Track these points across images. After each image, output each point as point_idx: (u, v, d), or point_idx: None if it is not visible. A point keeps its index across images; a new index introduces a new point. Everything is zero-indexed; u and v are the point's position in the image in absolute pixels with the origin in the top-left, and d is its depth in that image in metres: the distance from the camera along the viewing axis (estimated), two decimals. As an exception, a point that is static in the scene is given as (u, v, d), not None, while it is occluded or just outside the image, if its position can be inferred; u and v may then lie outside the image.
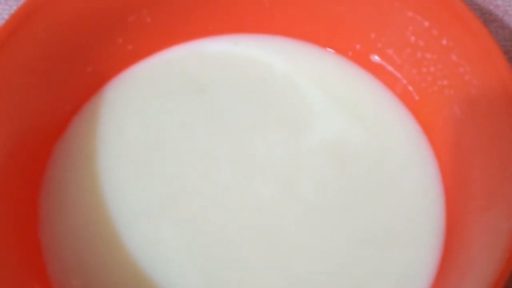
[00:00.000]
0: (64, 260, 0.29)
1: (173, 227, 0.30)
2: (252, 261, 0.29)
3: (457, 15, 0.28)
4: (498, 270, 0.22)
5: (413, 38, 0.30)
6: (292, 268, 0.29)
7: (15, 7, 0.36)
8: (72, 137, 0.32)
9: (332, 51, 0.34)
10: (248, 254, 0.29)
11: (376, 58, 0.33)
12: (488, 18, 0.37)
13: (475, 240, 0.26)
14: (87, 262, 0.29)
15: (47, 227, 0.30)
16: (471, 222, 0.27)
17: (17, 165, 0.29)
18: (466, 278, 0.25)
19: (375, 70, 0.33)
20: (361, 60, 0.33)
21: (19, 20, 0.28)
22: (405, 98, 0.32)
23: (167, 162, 0.31)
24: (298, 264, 0.29)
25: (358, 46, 0.33)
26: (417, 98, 0.32)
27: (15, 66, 0.28)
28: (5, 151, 0.29)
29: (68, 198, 0.30)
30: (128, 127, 0.32)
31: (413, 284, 0.28)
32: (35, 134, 0.30)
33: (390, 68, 0.32)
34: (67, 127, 0.32)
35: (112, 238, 0.29)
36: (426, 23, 0.29)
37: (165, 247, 0.29)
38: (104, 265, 0.29)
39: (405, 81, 0.32)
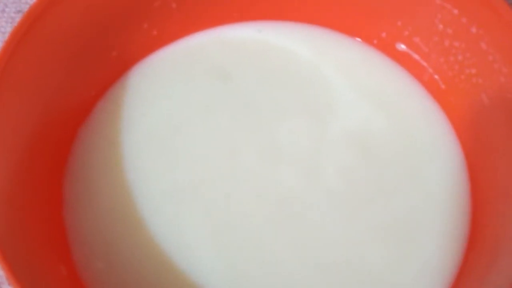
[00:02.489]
0: (88, 243, 0.29)
1: (196, 213, 0.30)
2: (274, 248, 0.29)
3: (487, 3, 0.27)
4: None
5: (441, 26, 0.30)
6: (314, 256, 0.29)
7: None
8: (97, 122, 0.32)
9: (358, 39, 0.33)
10: (270, 241, 0.29)
11: (402, 46, 0.32)
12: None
13: (501, 230, 0.26)
14: (111, 245, 0.29)
15: (72, 210, 0.30)
16: (497, 211, 0.27)
17: (43, 148, 0.29)
18: (493, 268, 0.25)
19: (400, 59, 0.33)
20: (387, 49, 0.33)
21: (45, 5, 0.28)
22: (431, 87, 0.32)
23: (190, 148, 0.31)
24: (321, 252, 0.29)
25: (384, 34, 0.33)
26: (443, 87, 0.31)
27: (42, 52, 0.29)
28: (31, 135, 0.29)
29: (92, 181, 0.30)
30: (152, 112, 0.32)
31: (436, 274, 0.28)
32: (61, 118, 0.30)
33: (416, 56, 0.32)
34: (92, 112, 0.32)
35: (136, 222, 0.29)
36: (456, 11, 0.29)
37: (188, 232, 0.29)
38: (127, 249, 0.29)
39: (431, 70, 0.32)
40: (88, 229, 0.29)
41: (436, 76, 0.32)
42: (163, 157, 0.31)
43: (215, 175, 0.30)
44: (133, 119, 0.32)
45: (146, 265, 0.29)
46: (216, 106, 0.32)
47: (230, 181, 0.30)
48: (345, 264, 0.29)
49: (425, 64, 0.32)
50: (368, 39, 0.33)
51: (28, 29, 0.28)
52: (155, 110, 0.32)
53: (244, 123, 0.32)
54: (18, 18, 0.36)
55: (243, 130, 0.31)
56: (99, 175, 0.31)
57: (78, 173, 0.31)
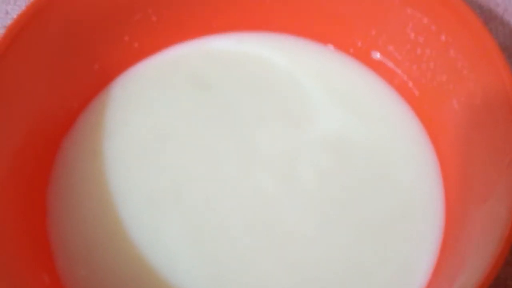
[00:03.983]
0: (71, 251, 0.30)
1: (178, 219, 0.30)
2: (255, 252, 0.30)
3: (454, 10, 0.28)
4: (493, 259, 0.23)
5: (412, 35, 0.31)
6: (293, 258, 0.29)
7: (24, 8, 0.37)
8: (80, 133, 0.33)
9: (334, 48, 0.34)
10: (251, 244, 0.30)
11: (377, 54, 0.33)
12: (488, 16, 0.37)
13: (473, 231, 0.27)
14: (94, 253, 0.30)
15: (55, 219, 0.30)
16: (470, 213, 0.28)
17: (26, 160, 0.30)
18: (464, 267, 0.26)
19: (376, 67, 0.34)
20: (362, 57, 0.34)
21: (28, 19, 0.29)
22: (405, 93, 0.33)
23: (171, 157, 0.32)
24: (299, 255, 0.29)
25: (359, 43, 0.33)
26: (417, 93, 0.32)
27: (24, 64, 0.29)
28: (14, 146, 0.29)
29: (75, 191, 0.31)
30: (134, 123, 0.33)
31: (413, 274, 0.29)
32: (44, 130, 0.31)
33: (390, 64, 0.33)
34: (74, 123, 0.33)
35: (118, 230, 0.30)
36: (425, 20, 0.30)
37: (170, 238, 0.30)
38: (110, 256, 0.29)
39: (405, 77, 0.33)
40: (71, 237, 0.30)
41: (410, 83, 0.32)
42: (145, 166, 0.32)
43: (196, 182, 0.31)
44: (115, 129, 0.33)
45: (129, 272, 0.29)
46: (196, 115, 0.33)
47: (210, 187, 0.31)
48: (323, 266, 0.29)
49: (399, 71, 0.33)
50: (344, 48, 0.34)
51: (11, 43, 0.28)
52: (137, 121, 0.33)
53: (224, 131, 0.32)
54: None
55: (223, 138, 0.32)
56: (82, 185, 0.31)
57: (61, 182, 0.31)
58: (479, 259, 0.24)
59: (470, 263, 0.25)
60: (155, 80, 0.34)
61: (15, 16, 0.37)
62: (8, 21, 0.37)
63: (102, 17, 0.32)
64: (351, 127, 0.32)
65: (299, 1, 0.33)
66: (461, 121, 0.29)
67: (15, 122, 0.29)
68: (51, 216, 0.31)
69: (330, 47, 0.34)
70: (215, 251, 0.30)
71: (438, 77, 0.30)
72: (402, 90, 0.33)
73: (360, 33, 0.33)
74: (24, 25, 0.29)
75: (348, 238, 0.30)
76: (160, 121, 0.33)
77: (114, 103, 0.33)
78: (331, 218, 0.30)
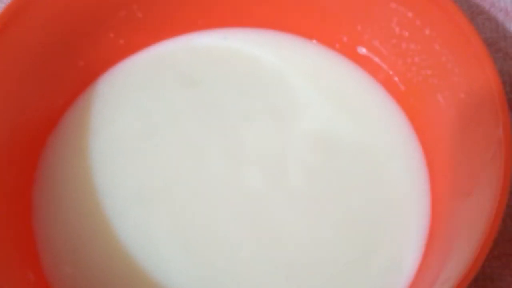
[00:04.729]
0: (57, 249, 0.30)
1: (164, 217, 0.30)
2: (242, 249, 0.30)
3: (438, 4, 0.28)
4: (476, 252, 0.23)
5: (397, 29, 0.31)
6: (281, 255, 0.29)
7: (7, 2, 0.37)
8: (65, 130, 0.32)
9: (320, 43, 0.34)
10: (238, 242, 0.30)
11: (363, 49, 0.33)
12: (475, 11, 0.37)
13: (458, 224, 0.27)
14: (80, 251, 0.29)
15: (41, 217, 0.30)
16: (455, 207, 0.28)
17: (11, 157, 0.30)
18: (450, 261, 0.26)
19: (362, 62, 0.34)
20: (348, 52, 0.34)
21: (10, 15, 0.29)
22: (391, 88, 0.33)
23: (158, 154, 0.32)
24: (287, 251, 0.29)
25: (345, 39, 0.33)
26: (402, 88, 0.32)
27: (7, 61, 0.29)
28: (0, 143, 0.29)
29: (61, 188, 0.31)
30: (120, 120, 0.33)
31: (400, 268, 0.29)
32: (29, 127, 0.31)
33: (376, 59, 0.33)
34: (60, 120, 0.33)
35: (104, 228, 0.30)
36: (410, 14, 0.30)
37: (156, 236, 0.30)
38: (95, 253, 0.29)
39: (391, 72, 0.33)
40: (56, 235, 0.30)
41: (395, 78, 0.32)
42: (131, 163, 0.32)
43: (183, 178, 0.31)
44: (101, 126, 0.32)
45: (115, 269, 0.29)
46: (183, 112, 0.33)
47: (197, 184, 0.31)
48: (310, 262, 0.29)
49: (385, 66, 0.33)
50: (330, 43, 0.34)
51: (-6, 40, 0.28)
52: (123, 117, 0.33)
53: (211, 127, 0.32)
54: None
55: (210, 134, 0.32)
56: (68, 182, 0.31)
57: (46, 180, 0.31)
58: (464, 253, 0.24)
59: (455, 256, 0.25)
60: (141, 77, 0.34)
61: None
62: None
63: (86, 14, 0.31)
64: (337, 123, 0.32)
65: (285, -3, 0.33)
66: (446, 115, 0.29)
67: (0, 119, 0.29)
68: (36, 213, 0.31)
69: (316, 42, 0.34)
70: (202, 248, 0.30)
71: (423, 71, 0.30)
72: (388, 85, 0.33)
73: (345, 28, 0.33)
74: (7, 21, 0.29)
75: (335, 234, 0.30)
76: (147, 118, 0.33)
77: (100, 100, 0.33)
78: (318, 214, 0.30)
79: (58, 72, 0.32)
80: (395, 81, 0.32)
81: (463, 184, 0.28)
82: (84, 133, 0.32)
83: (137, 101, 0.33)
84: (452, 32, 0.28)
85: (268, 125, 0.32)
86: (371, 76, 0.33)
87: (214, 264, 0.29)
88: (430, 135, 0.31)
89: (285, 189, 0.31)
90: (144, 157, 0.32)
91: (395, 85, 0.32)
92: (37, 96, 0.31)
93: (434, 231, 0.29)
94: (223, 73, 0.34)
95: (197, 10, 0.34)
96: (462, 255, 0.24)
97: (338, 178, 0.31)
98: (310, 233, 0.30)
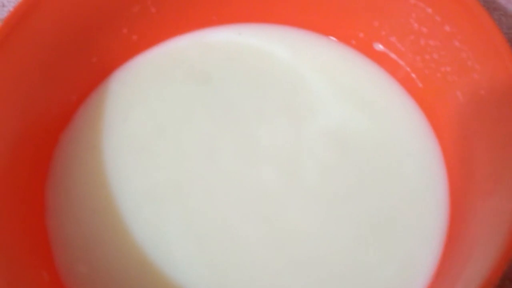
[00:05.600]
0: (70, 248, 0.29)
1: (177, 215, 0.30)
2: (256, 248, 0.29)
3: (459, 1, 0.28)
4: (501, 252, 0.22)
5: (416, 25, 0.30)
6: (295, 254, 0.29)
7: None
8: (78, 127, 0.32)
9: (335, 39, 0.34)
10: (252, 240, 0.29)
11: (379, 46, 0.33)
12: (491, 6, 0.37)
13: (478, 225, 0.26)
14: (93, 249, 0.29)
15: (54, 215, 0.30)
16: (475, 207, 0.27)
17: (24, 155, 0.29)
18: (470, 263, 0.25)
19: (378, 58, 0.33)
20: (365, 48, 0.33)
21: (24, 11, 0.28)
22: (408, 85, 0.32)
23: (171, 151, 0.31)
24: (301, 250, 0.29)
25: (361, 35, 0.33)
26: (420, 85, 0.32)
27: (22, 58, 0.29)
28: (12, 141, 0.29)
29: (74, 187, 0.31)
30: (133, 116, 0.32)
31: (417, 269, 0.28)
32: (42, 125, 0.31)
33: (393, 55, 0.32)
34: (73, 117, 0.32)
35: (118, 226, 0.30)
36: (429, 10, 0.29)
37: (170, 234, 0.29)
38: (109, 252, 0.29)
39: (408, 69, 0.32)
40: (70, 234, 0.30)
41: (413, 75, 0.32)
42: (144, 160, 0.31)
43: (196, 176, 0.31)
44: (114, 124, 0.32)
45: (129, 267, 0.29)
46: (197, 109, 0.32)
47: (211, 182, 0.30)
48: (325, 261, 0.29)
49: (402, 63, 0.32)
50: (345, 40, 0.33)
51: (7, 35, 0.28)
52: (136, 115, 0.32)
53: (225, 125, 0.32)
54: None
55: (223, 132, 0.32)
56: (81, 180, 0.31)
57: (60, 178, 0.31)
58: (484, 256, 0.24)
59: (475, 259, 0.25)
60: (154, 73, 0.33)
61: (11, 9, 0.37)
62: (5, 14, 0.37)
63: (100, 10, 0.31)
64: (354, 121, 0.32)
65: (300, -8, 0.33)
66: (466, 113, 0.29)
67: (13, 117, 0.29)
68: (50, 212, 0.30)
69: (332, 38, 0.34)
70: (216, 247, 0.29)
71: (442, 68, 0.30)
72: (405, 82, 0.32)
73: (362, 24, 0.32)
74: (21, 18, 0.28)
75: (351, 234, 0.29)
76: (159, 115, 0.32)
77: (112, 97, 0.33)
78: (334, 213, 0.30)
79: (71, 68, 0.31)
80: (413, 77, 0.32)
81: (483, 183, 0.27)
82: (97, 131, 0.32)
83: (150, 97, 0.33)
84: (473, 29, 0.27)
85: (283, 123, 0.32)
86: (388, 72, 0.33)
87: (227, 263, 0.29)
88: (448, 133, 0.30)
89: (300, 188, 0.30)
90: (157, 154, 0.31)
91: (413, 82, 0.32)
92: (49, 93, 0.31)
93: (453, 231, 0.29)
94: (237, 70, 0.33)
95: (211, 5, 0.33)
96: (484, 257, 0.24)
97: (354, 176, 0.30)
98: (325, 232, 0.29)
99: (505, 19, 0.36)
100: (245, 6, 0.34)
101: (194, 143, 0.32)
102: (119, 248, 0.29)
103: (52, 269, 0.29)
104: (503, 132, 0.27)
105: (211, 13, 0.34)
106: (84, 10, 0.30)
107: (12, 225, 0.28)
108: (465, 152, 0.29)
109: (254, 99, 0.33)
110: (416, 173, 0.30)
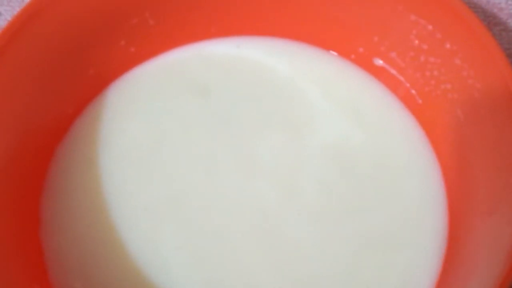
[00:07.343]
0: (65, 262, 0.29)
1: (175, 229, 0.30)
2: (252, 264, 0.29)
3: (460, 18, 0.28)
4: (501, 275, 0.22)
5: (416, 42, 0.30)
6: (293, 271, 0.29)
7: (17, 8, 0.36)
8: (75, 140, 0.32)
9: (335, 54, 0.34)
10: (248, 256, 0.29)
11: (379, 61, 0.33)
12: (492, 21, 0.36)
13: (478, 245, 0.26)
14: (89, 264, 0.29)
15: (49, 229, 0.30)
16: (474, 226, 0.27)
17: (19, 167, 0.29)
18: (469, 283, 0.25)
19: (378, 74, 0.33)
20: (364, 63, 0.33)
21: (22, 22, 0.28)
22: (408, 101, 0.32)
23: (169, 164, 0.31)
24: (300, 267, 0.29)
25: (361, 49, 0.33)
26: (420, 101, 0.32)
27: (18, 69, 0.28)
28: (7, 153, 0.29)
29: (70, 200, 0.30)
30: (130, 129, 0.32)
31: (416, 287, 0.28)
32: (38, 136, 0.30)
33: (393, 71, 0.32)
34: (69, 130, 0.32)
35: (113, 240, 0.29)
36: (430, 27, 0.29)
37: (166, 249, 0.29)
38: (105, 267, 0.29)
39: (408, 85, 0.32)
40: (65, 248, 0.29)
41: (413, 91, 0.32)
42: (141, 174, 0.31)
43: (193, 191, 0.30)
44: (111, 136, 0.32)
45: (125, 284, 0.29)
46: (195, 122, 0.32)
47: (208, 196, 0.30)
48: (324, 279, 0.29)
49: (402, 79, 0.32)
50: (345, 54, 0.33)
51: (3, 47, 0.28)
52: (134, 127, 0.32)
53: (223, 138, 0.32)
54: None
55: (221, 146, 0.32)
56: (77, 194, 0.30)
57: (55, 191, 0.31)
58: (482, 280, 0.24)
59: (473, 282, 0.25)
60: (152, 85, 0.33)
61: (8, 18, 0.36)
62: (1, 23, 0.37)
63: (97, 21, 0.31)
64: (353, 137, 0.31)
65: (300, 6, 0.32)
66: (465, 130, 0.29)
67: (8, 128, 0.29)
68: (44, 225, 0.30)
69: (332, 53, 0.34)
70: (212, 261, 0.29)
71: (443, 85, 0.30)
72: (405, 98, 0.32)
73: (362, 39, 0.32)
74: (18, 29, 0.28)
75: (350, 251, 0.29)
76: (157, 128, 0.32)
77: (109, 109, 0.33)
78: (332, 230, 0.29)
79: (68, 80, 0.31)
80: (413, 94, 0.32)
81: (483, 203, 0.27)
82: (93, 143, 0.32)
83: (148, 110, 0.33)
84: (474, 47, 0.27)
85: (281, 137, 0.32)
86: (387, 88, 0.33)
87: (225, 279, 0.29)
88: (448, 150, 0.30)
89: (299, 204, 0.30)
90: (154, 167, 0.31)
91: (413, 98, 0.32)
92: (46, 104, 0.30)
93: (453, 249, 0.28)
94: (235, 83, 0.33)
95: (210, 18, 0.33)
96: (485, 277, 0.24)
97: (353, 193, 0.30)
98: (323, 249, 0.29)
99: (505, 34, 0.36)
100: (244, 19, 0.34)
101: (192, 157, 0.31)
102: (115, 263, 0.29)
103: (46, 284, 0.28)
104: (503, 151, 0.26)
105: (210, 25, 0.34)
106: (81, 22, 0.30)
107: (6, 239, 0.28)
108: (465, 170, 0.29)
109: (252, 113, 0.32)
110: (415, 190, 0.30)
